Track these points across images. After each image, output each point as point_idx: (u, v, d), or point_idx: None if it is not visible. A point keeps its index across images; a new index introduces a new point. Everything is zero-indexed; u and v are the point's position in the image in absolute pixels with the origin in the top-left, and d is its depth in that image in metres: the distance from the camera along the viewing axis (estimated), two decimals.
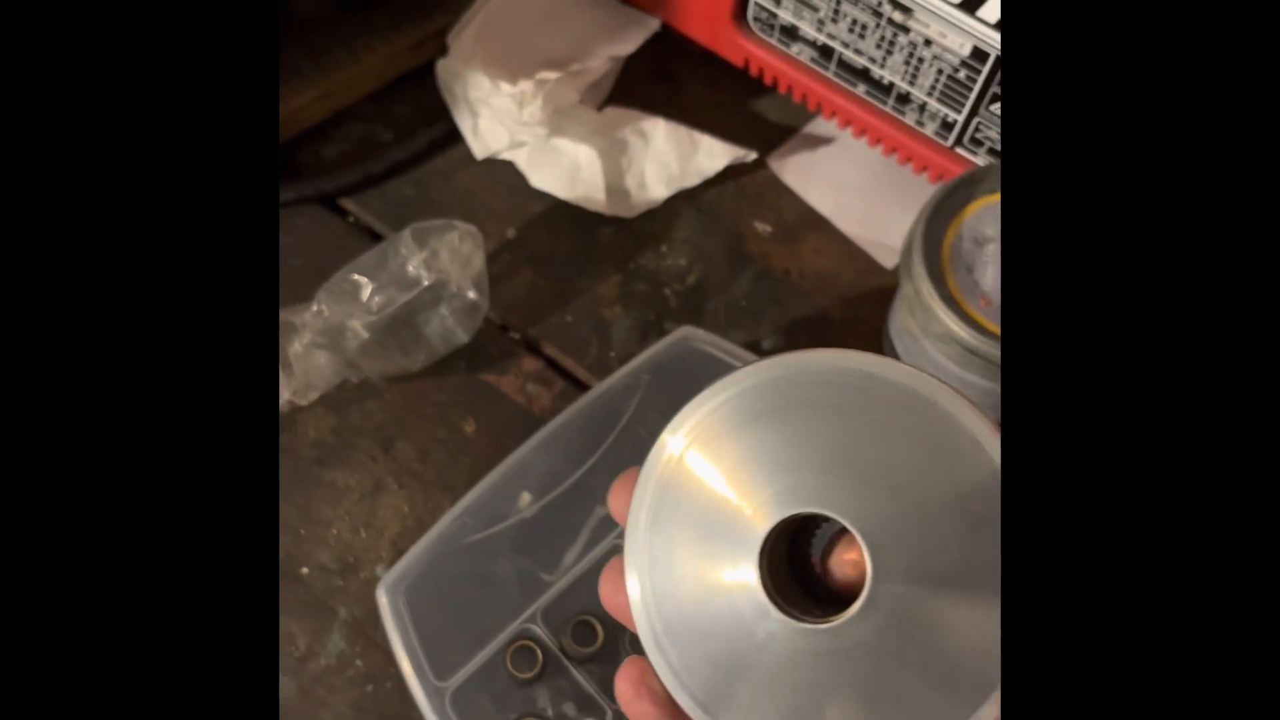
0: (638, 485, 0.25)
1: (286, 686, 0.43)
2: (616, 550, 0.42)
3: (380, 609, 0.41)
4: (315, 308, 0.45)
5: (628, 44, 0.54)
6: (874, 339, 0.50)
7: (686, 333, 0.47)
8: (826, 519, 0.23)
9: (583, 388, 0.49)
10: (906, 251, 0.43)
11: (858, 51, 0.48)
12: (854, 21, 0.47)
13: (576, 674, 0.40)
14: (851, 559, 0.24)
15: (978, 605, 0.22)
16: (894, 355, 0.44)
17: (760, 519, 0.23)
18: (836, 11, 0.47)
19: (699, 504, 0.24)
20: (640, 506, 0.24)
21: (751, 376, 0.24)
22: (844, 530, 0.23)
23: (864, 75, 0.49)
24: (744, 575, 0.23)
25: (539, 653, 0.40)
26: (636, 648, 0.39)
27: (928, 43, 0.45)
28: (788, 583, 0.24)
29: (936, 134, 0.48)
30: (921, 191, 0.53)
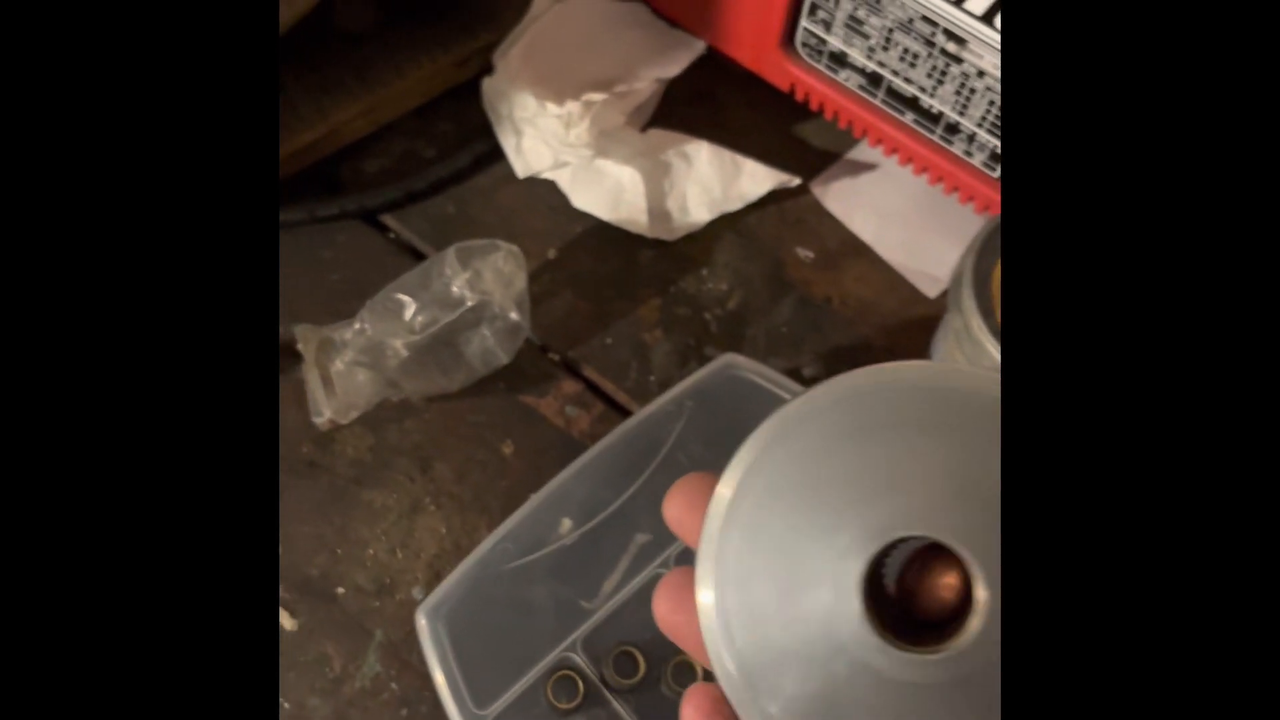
0: (715, 496, 0.23)
1: (320, 709, 0.42)
2: (657, 580, 0.42)
3: (419, 634, 0.41)
4: (358, 325, 0.45)
5: (674, 66, 0.54)
6: None
7: (729, 360, 0.46)
8: (911, 541, 0.22)
9: (622, 411, 0.49)
10: (956, 284, 0.43)
11: (908, 80, 0.48)
12: (905, 50, 0.46)
13: (617, 705, 0.40)
14: (947, 583, 0.23)
15: None
16: None
17: (856, 542, 0.22)
18: (888, 40, 0.47)
19: (783, 522, 0.22)
20: (716, 519, 0.23)
21: (831, 393, 0.22)
22: (928, 553, 0.22)
23: (913, 104, 0.48)
24: (837, 600, 0.22)
25: (580, 683, 0.40)
26: (680, 680, 0.39)
27: (980, 74, 0.45)
28: (872, 609, 0.23)
29: (985, 165, 0.48)
30: (966, 221, 0.52)
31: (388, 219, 0.53)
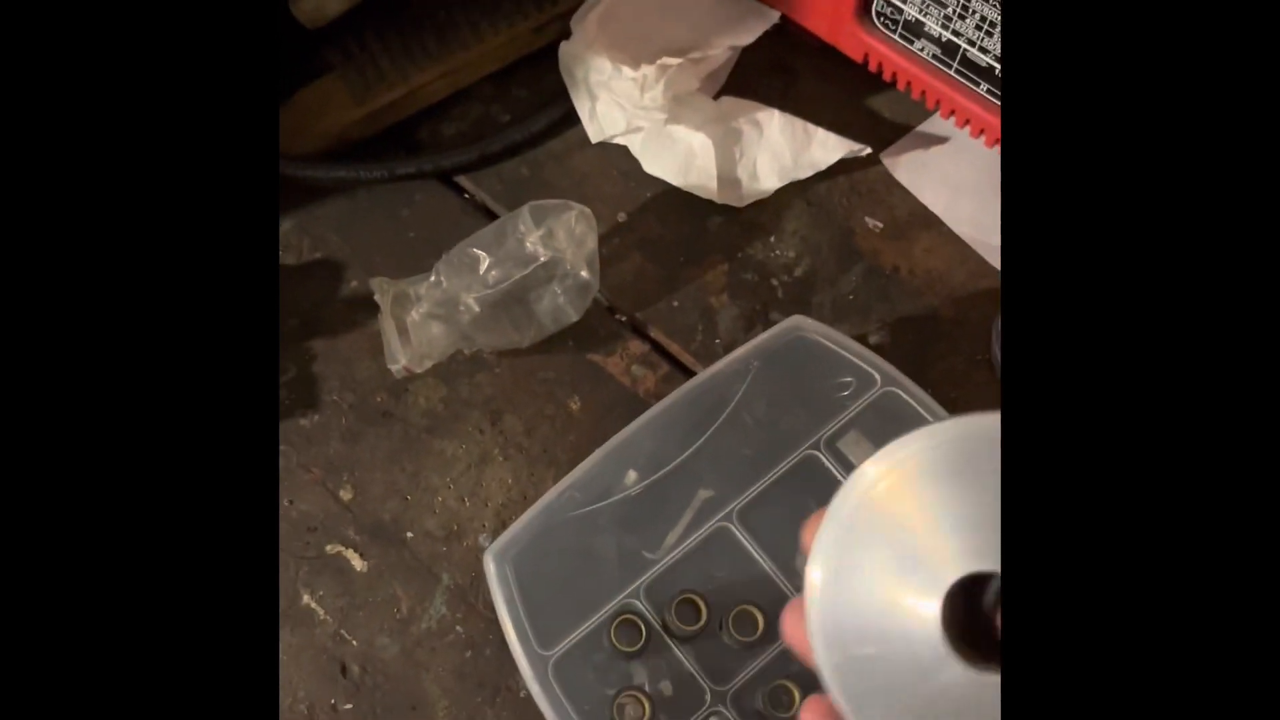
0: (829, 513, 0.25)
1: (389, 648, 0.44)
2: (720, 534, 0.42)
3: (487, 575, 0.42)
4: (433, 278, 0.46)
5: (747, 34, 0.54)
6: (983, 340, 0.49)
7: (797, 321, 0.47)
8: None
9: (687, 373, 0.49)
10: None
11: (983, 50, 0.48)
12: (982, 19, 0.46)
13: (678, 652, 0.41)
14: None
15: None
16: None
17: (947, 569, 0.23)
18: (965, 9, 0.47)
19: (889, 544, 0.24)
20: (829, 535, 0.24)
21: (957, 429, 0.24)
22: None
23: (988, 74, 0.48)
24: (925, 620, 0.23)
25: (643, 628, 0.40)
26: (741, 629, 0.40)
27: None
28: (964, 634, 0.24)
29: None
30: None
31: (463, 180, 0.54)
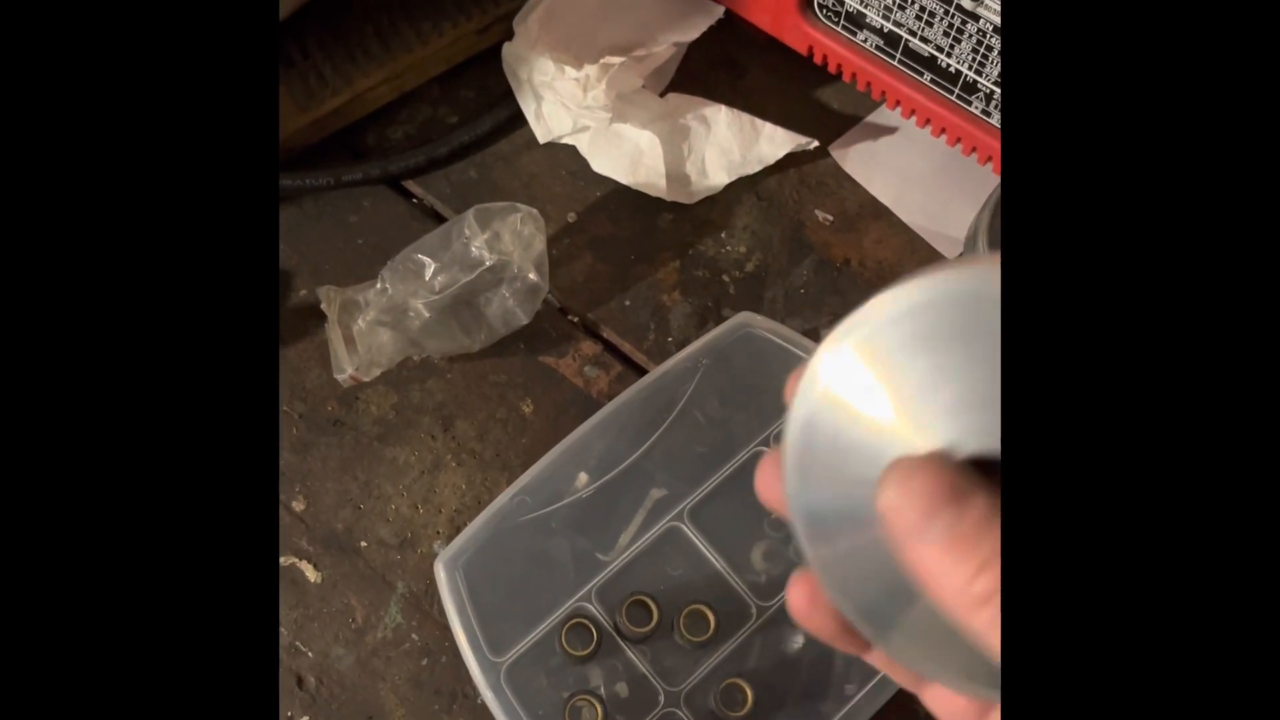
0: (800, 389, 0.22)
1: (344, 658, 0.43)
2: (672, 533, 0.42)
3: (438, 583, 0.42)
4: (379, 285, 0.46)
5: (692, 30, 0.54)
6: None
7: (746, 318, 0.47)
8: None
9: (640, 372, 0.49)
10: (971, 242, 0.43)
11: (924, 40, 0.47)
12: (921, 9, 0.46)
13: (631, 654, 0.41)
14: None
15: None
16: None
17: (930, 447, 0.21)
18: None
19: (865, 422, 0.21)
20: (799, 415, 0.22)
21: (933, 289, 0.20)
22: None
23: (930, 64, 0.48)
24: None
25: (594, 631, 0.40)
26: (692, 629, 0.40)
27: (997, 30, 0.44)
28: None
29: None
30: (985, 182, 0.52)
31: (411, 184, 0.54)
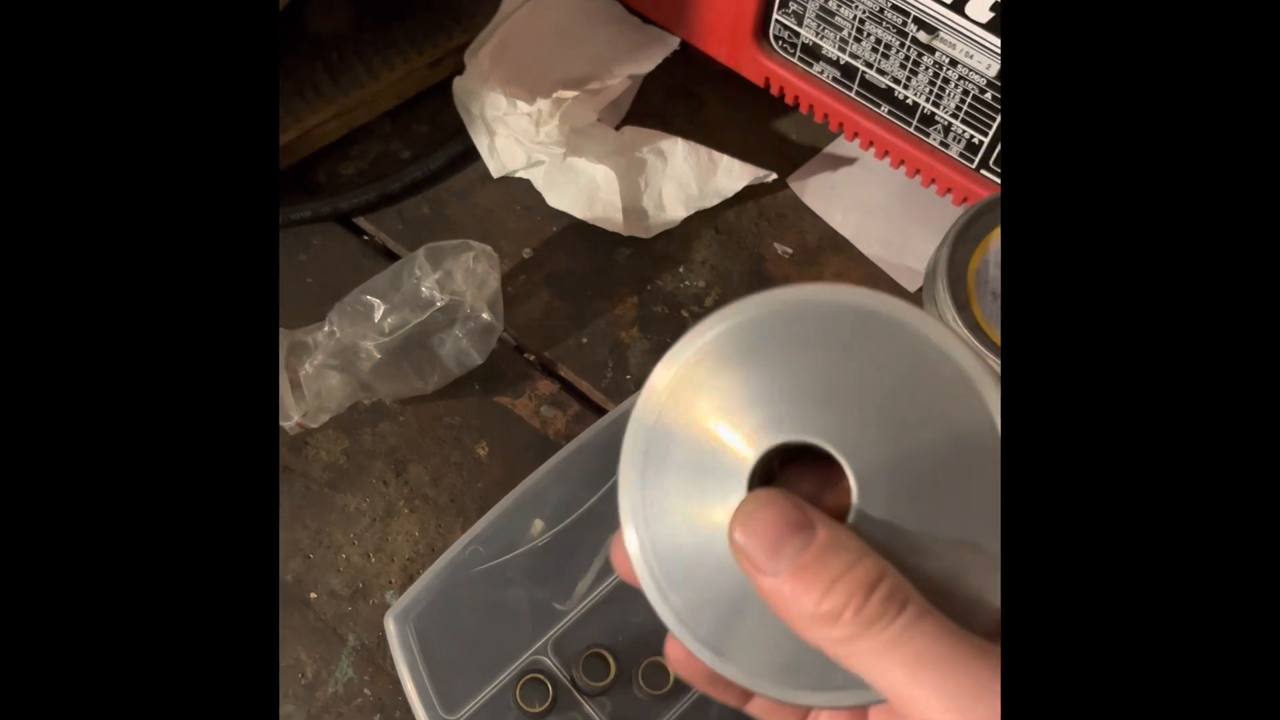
0: (626, 437, 0.24)
1: (294, 716, 0.42)
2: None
3: (389, 639, 0.41)
4: (327, 328, 0.45)
5: (647, 62, 0.53)
6: None
7: None
8: (817, 450, 0.23)
9: (598, 411, 0.48)
10: (930, 276, 0.42)
11: (881, 71, 0.47)
12: (878, 41, 0.46)
13: (589, 708, 0.39)
14: (846, 488, 0.24)
15: (962, 543, 0.22)
16: None
17: (748, 452, 0.23)
18: (860, 31, 0.46)
19: (689, 447, 0.24)
20: (630, 458, 0.24)
21: (743, 312, 0.24)
22: (820, 463, 0.23)
23: (887, 96, 0.48)
24: (728, 499, 0.23)
25: (549, 686, 0.39)
26: (651, 682, 0.39)
27: (953, 63, 0.44)
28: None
29: (961, 156, 0.47)
30: (945, 214, 0.52)
31: (363, 221, 0.53)
